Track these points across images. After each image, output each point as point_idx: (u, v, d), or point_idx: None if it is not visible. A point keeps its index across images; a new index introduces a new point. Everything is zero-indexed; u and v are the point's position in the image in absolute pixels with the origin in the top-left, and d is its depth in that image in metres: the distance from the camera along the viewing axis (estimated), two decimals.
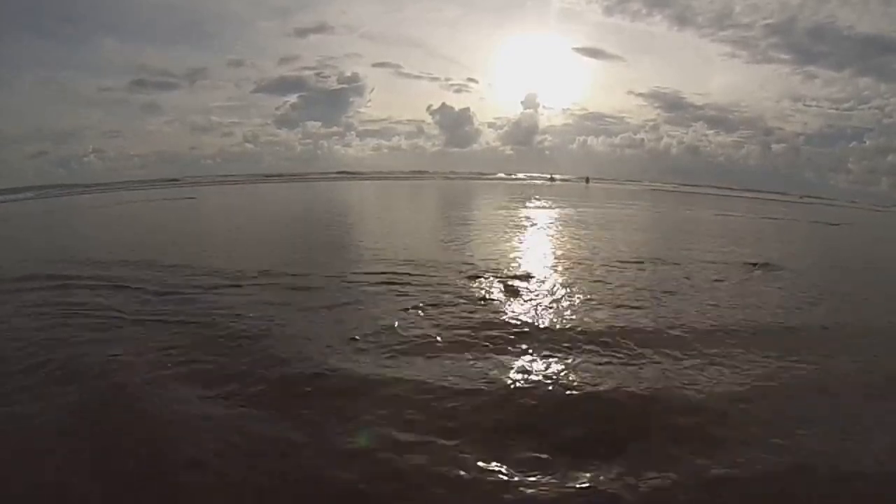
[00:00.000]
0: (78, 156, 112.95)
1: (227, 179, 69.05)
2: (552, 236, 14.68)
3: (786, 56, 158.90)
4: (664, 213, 26.18)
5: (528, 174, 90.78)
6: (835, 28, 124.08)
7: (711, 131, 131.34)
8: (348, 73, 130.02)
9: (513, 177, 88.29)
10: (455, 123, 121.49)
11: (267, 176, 77.35)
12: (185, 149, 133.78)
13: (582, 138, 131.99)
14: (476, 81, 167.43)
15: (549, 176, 79.52)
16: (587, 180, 70.22)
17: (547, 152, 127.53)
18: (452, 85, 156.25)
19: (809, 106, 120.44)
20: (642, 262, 9.88)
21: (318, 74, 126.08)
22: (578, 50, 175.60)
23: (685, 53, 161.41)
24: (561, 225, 17.46)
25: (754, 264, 10.10)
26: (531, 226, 16.76)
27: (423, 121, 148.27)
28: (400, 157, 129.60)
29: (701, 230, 18.09)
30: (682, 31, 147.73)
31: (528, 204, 26.49)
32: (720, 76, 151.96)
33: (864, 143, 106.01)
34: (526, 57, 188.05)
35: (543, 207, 24.82)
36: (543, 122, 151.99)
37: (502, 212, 21.61)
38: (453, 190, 45.27)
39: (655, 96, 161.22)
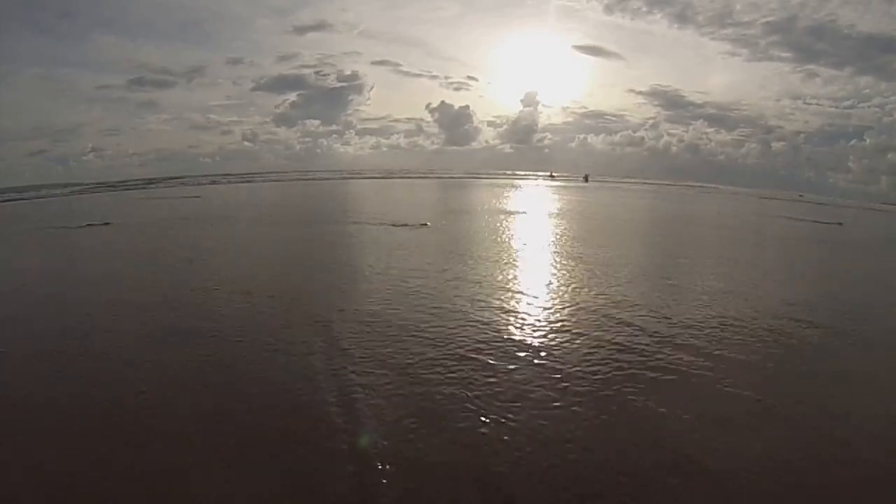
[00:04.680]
0: (76, 153, 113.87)
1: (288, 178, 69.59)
2: None
3: (786, 54, 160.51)
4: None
5: (530, 173, 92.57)
6: (835, 27, 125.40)
7: (711, 129, 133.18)
8: (347, 72, 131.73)
9: (514, 174, 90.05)
10: (454, 121, 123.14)
11: (305, 172, 76.59)
12: (183, 147, 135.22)
13: (582, 136, 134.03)
14: (475, 79, 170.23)
15: (549, 174, 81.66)
16: (586, 178, 72.37)
17: (546, 150, 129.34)
18: (452, 83, 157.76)
19: (809, 104, 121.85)
20: None
21: (317, 73, 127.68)
22: (578, 48, 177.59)
23: (685, 52, 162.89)
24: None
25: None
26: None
27: (422, 119, 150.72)
28: (399, 156, 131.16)
29: None
30: (682, 30, 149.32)
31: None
32: (720, 74, 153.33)
33: (864, 141, 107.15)
34: (525, 55, 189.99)
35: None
36: (543, 121, 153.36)
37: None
38: (464, 190, 45.89)
39: (655, 94, 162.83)
